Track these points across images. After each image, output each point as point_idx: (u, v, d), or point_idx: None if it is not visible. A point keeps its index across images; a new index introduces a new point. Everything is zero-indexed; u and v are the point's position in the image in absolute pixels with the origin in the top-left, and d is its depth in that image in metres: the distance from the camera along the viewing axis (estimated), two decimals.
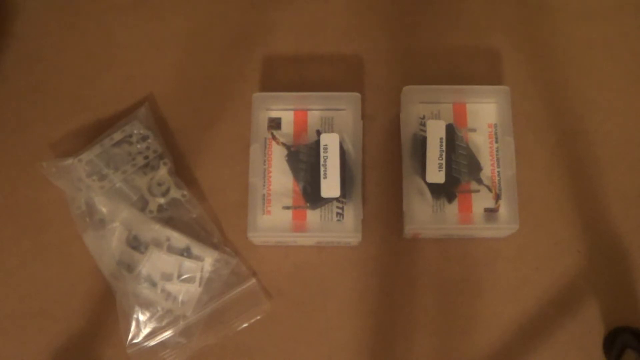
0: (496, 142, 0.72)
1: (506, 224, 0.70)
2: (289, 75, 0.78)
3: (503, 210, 0.70)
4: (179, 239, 0.72)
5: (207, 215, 0.73)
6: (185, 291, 0.71)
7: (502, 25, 0.80)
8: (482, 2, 0.80)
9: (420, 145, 0.71)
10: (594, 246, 0.73)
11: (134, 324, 0.70)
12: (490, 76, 0.78)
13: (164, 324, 0.71)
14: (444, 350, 0.71)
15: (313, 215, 0.71)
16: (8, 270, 0.74)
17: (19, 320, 0.72)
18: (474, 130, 0.73)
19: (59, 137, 0.77)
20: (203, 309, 0.71)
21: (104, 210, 0.72)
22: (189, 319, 0.71)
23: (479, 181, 0.71)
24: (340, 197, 0.69)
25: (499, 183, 0.71)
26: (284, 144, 0.72)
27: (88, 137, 0.75)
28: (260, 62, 0.79)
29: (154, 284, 0.71)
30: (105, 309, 0.72)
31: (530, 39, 0.79)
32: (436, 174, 0.69)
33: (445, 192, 0.70)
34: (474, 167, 0.71)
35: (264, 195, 0.71)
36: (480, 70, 0.78)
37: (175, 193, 0.73)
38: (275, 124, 0.73)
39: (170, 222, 0.73)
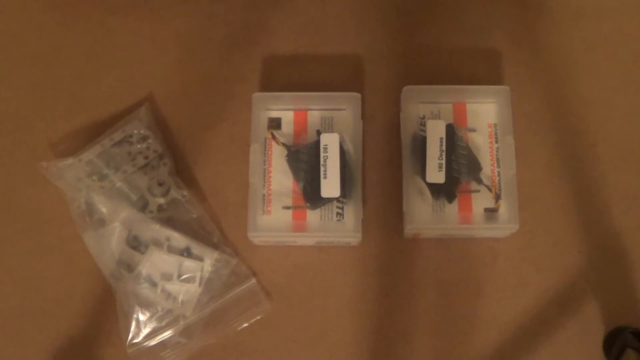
0: (496, 142, 0.72)
1: (506, 224, 0.70)
2: (289, 75, 0.78)
3: (503, 210, 0.70)
4: (179, 239, 0.72)
5: (207, 215, 0.73)
6: (185, 291, 0.71)
7: (502, 25, 0.80)
8: (482, 2, 0.80)
9: (420, 145, 0.71)
10: (594, 246, 0.73)
11: (134, 324, 0.70)
12: (490, 76, 0.78)
13: (164, 324, 0.71)
14: (444, 350, 0.71)
15: (313, 215, 0.71)
16: (8, 270, 0.74)
17: (19, 320, 0.72)
18: (473, 130, 0.73)
19: (59, 137, 0.77)
20: (203, 309, 0.71)
21: (104, 210, 0.72)
22: (189, 319, 0.71)
23: (479, 181, 0.71)
24: (340, 197, 0.69)
25: (499, 183, 0.71)
26: (284, 144, 0.72)
27: (88, 137, 0.75)
28: (260, 62, 0.79)
29: (154, 284, 0.71)
30: (105, 309, 0.72)
31: (530, 39, 0.79)
32: (436, 174, 0.69)
33: (445, 192, 0.70)
34: (474, 167, 0.71)
35: (264, 195, 0.71)
36: (480, 70, 0.78)
37: (175, 193, 0.73)
38: (275, 124, 0.73)
39: (170, 222, 0.72)
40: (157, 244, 0.71)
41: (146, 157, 0.74)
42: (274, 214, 0.71)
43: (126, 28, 0.80)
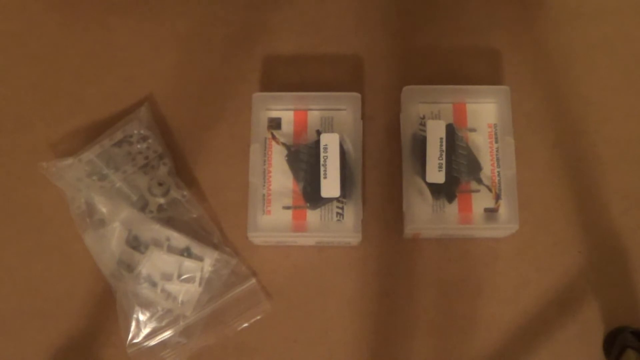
0: (496, 142, 0.72)
1: (506, 224, 0.70)
2: (289, 75, 0.78)
3: (503, 210, 0.70)
4: (179, 239, 0.72)
5: (207, 215, 0.73)
6: (185, 291, 0.71)
7: (502, 25, 0.80)
8: (482, 2, 0.80)
9: (420, 145, 0.71)
10: (594, 246, 0.73)
11: (134, 324, 0.70)
12: (490, 76, 0.78)
13: (164, 324, 0.71)
14: (444, 350, 0.71)
15: (313, 215, 0.71)
16: (8, 270, 0.74)
17: (19, 320, 0.72)
18: (474, 130, 0.73)
19: (59, 137, 0.77)
20: (203, 309, 0.71)
21: (104, 210, 0.72)
22: (189, 319, 0.71)
23: (479, 181, 0.71)
24: (340, 197, 0.69)
25: (499, 183, 0.71)
26: (284, 144, 0.72)
27: (88, 137, 0.75)
28: (260, 62, 0.79)
29: (154, 284, 0.71)
30: (105, 309, 0.72)
31: (530, 39, 0.79)
32: (436, 174, 0.69)
33: (445, 192, 0.70)
34: (474, 167, 0.71)
35: (264, 195, 0.71)
36: (480, 70, 0.78)
37: (175, 193, 0.73)
38: (275, 124, 0.73)
39: (170, 222, 0.72)
40: (157, 244, 0.71)
41: (146, 157, 0.74)
42: (274, 214, 0.71)
43: (126, 28, 0.80)
